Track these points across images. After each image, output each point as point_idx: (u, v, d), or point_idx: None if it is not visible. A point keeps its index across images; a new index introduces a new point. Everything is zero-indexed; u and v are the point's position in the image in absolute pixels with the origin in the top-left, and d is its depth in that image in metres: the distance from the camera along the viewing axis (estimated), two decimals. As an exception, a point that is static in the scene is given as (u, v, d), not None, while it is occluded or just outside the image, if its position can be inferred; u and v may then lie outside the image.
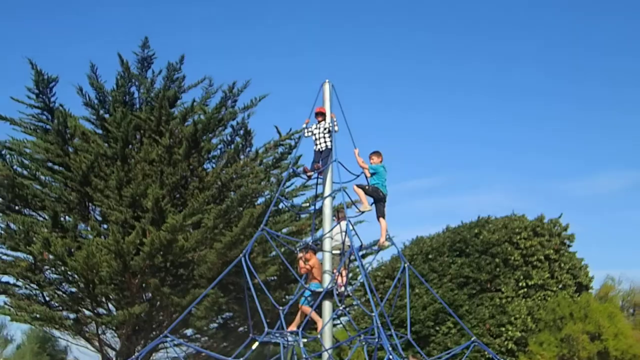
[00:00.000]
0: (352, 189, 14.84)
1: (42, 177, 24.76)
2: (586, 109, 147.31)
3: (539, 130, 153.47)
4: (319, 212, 14.70)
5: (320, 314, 13.94)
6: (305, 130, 14.78)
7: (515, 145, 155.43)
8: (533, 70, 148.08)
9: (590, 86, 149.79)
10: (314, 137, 14.47)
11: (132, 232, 22.10)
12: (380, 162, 14.79)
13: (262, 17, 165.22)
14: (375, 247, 15.63)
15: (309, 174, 15.22)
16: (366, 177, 14.68)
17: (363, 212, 14.82)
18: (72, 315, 25.20)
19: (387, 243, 14.95)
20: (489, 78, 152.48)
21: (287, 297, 23.28)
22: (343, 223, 14.26)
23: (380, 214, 14.57)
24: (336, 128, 14.50)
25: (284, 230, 24.55)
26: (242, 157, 25.93)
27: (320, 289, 13.77)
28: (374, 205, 14.63)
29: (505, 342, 31.66)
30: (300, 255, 14.67)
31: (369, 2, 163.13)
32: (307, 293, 14.19)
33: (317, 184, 15.37)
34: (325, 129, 14.35)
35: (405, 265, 15.02)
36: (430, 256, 35.68)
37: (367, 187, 14.48)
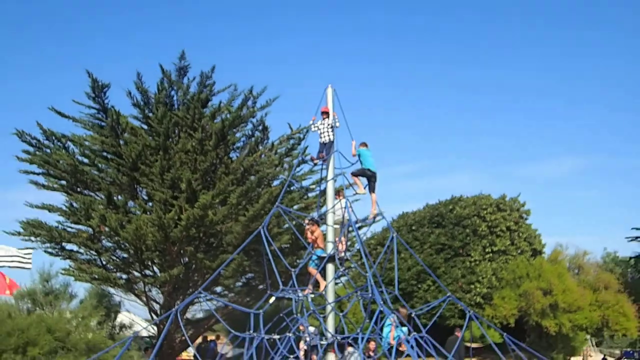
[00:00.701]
0: (349, 175, 14.88)
1: (99, 165, 24.84)
2: (540, 105, 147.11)
3: (503, 123, 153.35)
4: (323, 192, 14.70)
5: (324, 275, 13.98)
6: (312, 126, 14.76)
7: (483, 137, 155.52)
8: (496, 69, 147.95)
9: (542, 85, 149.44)
10: (319, 132, 14.47)
11: (172, 209, 22.19)
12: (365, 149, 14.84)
13: (278, 29, 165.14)
14: (369, 220, 15.61)
15: (315, 161, 15.25)
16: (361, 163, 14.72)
17: (358, 194, 14.86)
18: (124, 276, 25.30)
19: (377, 211, 14.94)
20: (465, 80, 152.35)
21: (297, 261, 23.31)
22: (343, 201, 14.29)
23: (371, 189, 14.62)
24: (337, 124, 14.49)
25: (295, 207, 24.55)
26: (260, 147, 25.97)
27: (324, 255, 13.80)
28: (367, 187, 14.66)
29: (474, 297, 31.74)
30: (307, 227, 14.72)
31: (361, 20, 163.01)
32: (314, 257, 14.22)
33: (321, 169, 15.38)
34: (328, 124, 14.34)
35: (394, 235, 15.02)
36: (413, 227, 35.73)
37: (357, 171, 14.56)
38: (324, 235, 14.51)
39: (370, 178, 14.63)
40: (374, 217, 15.28)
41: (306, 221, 15.22)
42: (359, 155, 14.70)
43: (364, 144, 14.95)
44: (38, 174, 24.64)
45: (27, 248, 26.27)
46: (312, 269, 14.21)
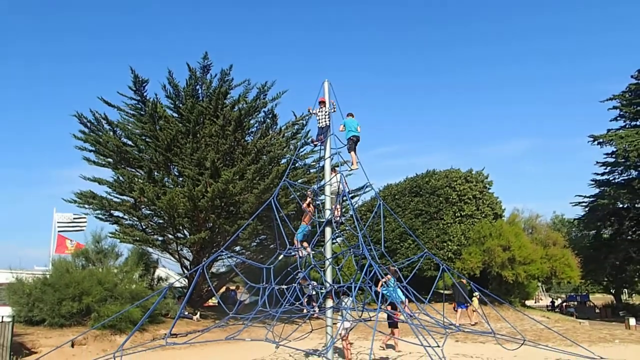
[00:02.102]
0: (344, 153, 14.70)
1: (140, 146, 24.81)
2: (503, 93, 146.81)
3: (469, 111, 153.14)
4: (322, 168, 14.58)
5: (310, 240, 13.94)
6: (312, 113, 14.55)
7: (454, 123, 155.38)
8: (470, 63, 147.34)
9: (501, 80, 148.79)
10: (317, 118, 14.30)
11: (200, 184, 22.17)
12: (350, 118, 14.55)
13: (288, 32, 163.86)
14: (347, 168, 15.08)
15: (315, 143, 15.07)
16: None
17: (351, 170, 14.72)
18: (160, 238, 25.42)
19: (357, 167, 14.53)
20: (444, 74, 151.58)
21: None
22: (338, 176, 14.17)
23: (352, 150, 14.30)
24: (334, 109, 14.26)
25: (299, 181, 24.51)
26: (270, 132, 25.90)
27: (307, 230, 13.84)
28: (359, 164, 14.47)
29: (447, 253, 31.73)
30: (309, 196, 14.64)
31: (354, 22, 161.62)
32: (301, 231, 14.12)
33: (320, 150, 15.24)
34: (325, 112, 14.16)
35: (380, 202, 14.99)
36: (396, 197, 35.65)
37: (348, 145, 14.34)
38: (318, 207, 14.42)
39: (355, 142, 14.40)
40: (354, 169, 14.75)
41: (309, 192, 15.10)
42: (344, 126, 14.47)
43: (350, 114, 14.71)
44: (90, 151, 24.70)
45: (81, 216, 26.41)
46: (296, 240, 14.06)
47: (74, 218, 26.86)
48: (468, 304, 23.60)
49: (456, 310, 23.49)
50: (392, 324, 16.39)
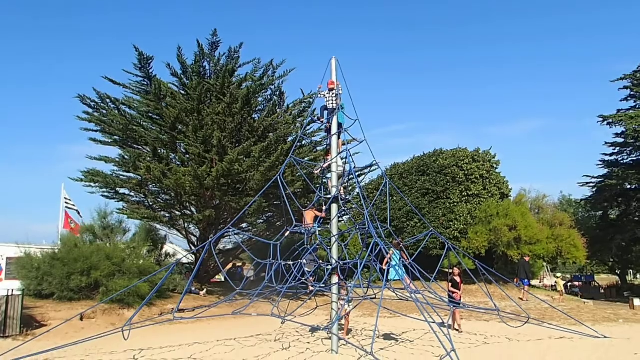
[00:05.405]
0: (351, 130, 14.66)
1: (145, 124, 24.84)
2: (509, 73, 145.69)
3: (475, 90, 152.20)
4: (329, 145, 14.58)
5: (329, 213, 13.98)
6: (320, 93, 14.53)
7: (460, 102, 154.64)
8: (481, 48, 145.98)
9: (508, 57, 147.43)
10: (325, 99, 14.27)
11: (205, 163, 22.23)
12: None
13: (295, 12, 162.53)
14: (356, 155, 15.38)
15: (321, 120, 15.06)
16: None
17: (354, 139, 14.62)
18: (167, 215, 25.59)
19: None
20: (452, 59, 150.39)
21: (307, 202, 23.43)
22: (343, 154, 14.17)
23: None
24: (340, 91, 14.20)
25: (306, 158, 24.54)
26: (278, 110, 25.86)
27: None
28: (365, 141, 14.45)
29: (453, 232, 31.80)
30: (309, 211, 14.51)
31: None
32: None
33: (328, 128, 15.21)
34: (333, 94, 14.12)
35: (387, 181, 15.02)
36: (403, 175, 35.65)
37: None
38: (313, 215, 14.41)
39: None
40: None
41: (316, 171, 15.12)
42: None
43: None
44: (96, 131, 24.75)
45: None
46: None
47: (70, 205, 27.42)
48: (530, 281, 24.11)
49: (523, 286, 24.19)
50: (454, 304, 15.84)
